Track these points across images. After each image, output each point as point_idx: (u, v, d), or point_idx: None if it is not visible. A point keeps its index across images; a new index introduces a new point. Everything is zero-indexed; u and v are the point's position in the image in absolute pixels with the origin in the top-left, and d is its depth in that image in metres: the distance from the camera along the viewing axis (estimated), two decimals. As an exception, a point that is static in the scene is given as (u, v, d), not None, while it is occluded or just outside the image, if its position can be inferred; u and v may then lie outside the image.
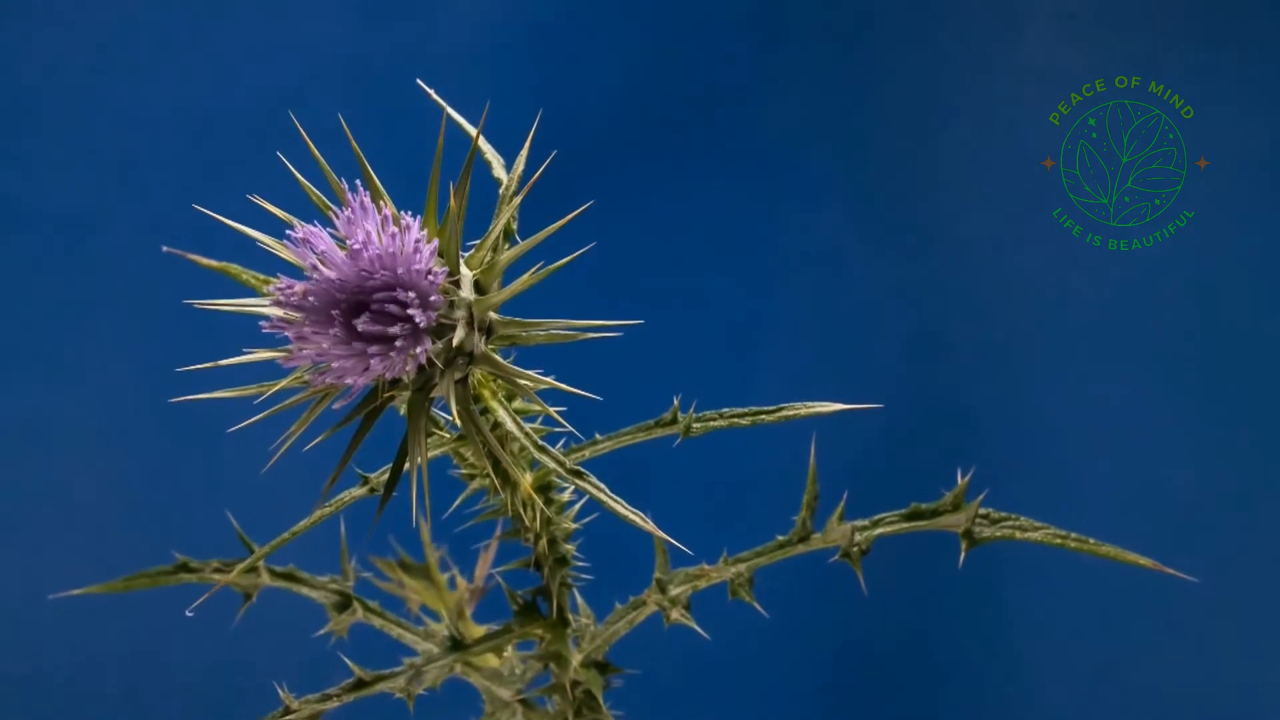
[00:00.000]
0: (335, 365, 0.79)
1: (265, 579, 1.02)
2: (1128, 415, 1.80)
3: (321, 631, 1.04)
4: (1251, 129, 1.77)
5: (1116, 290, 1.79)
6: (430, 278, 0.79)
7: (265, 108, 1.79)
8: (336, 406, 0.81)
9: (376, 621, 1.03)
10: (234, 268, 0.92)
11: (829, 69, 1.83)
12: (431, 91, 0.91)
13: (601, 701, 1.00)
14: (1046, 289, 1.80)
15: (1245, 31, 1.79)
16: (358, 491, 0.91)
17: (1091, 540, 0.93)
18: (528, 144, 0.86)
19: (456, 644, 0.99)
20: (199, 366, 0.85)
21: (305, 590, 1.03)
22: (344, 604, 1.03)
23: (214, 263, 0.93)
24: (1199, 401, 1.79)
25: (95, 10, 1.80)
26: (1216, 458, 1.79)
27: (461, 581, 1.12)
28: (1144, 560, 0.92)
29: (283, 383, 0.82)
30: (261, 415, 0.83)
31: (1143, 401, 1.80)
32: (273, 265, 0.83)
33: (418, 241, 0.79)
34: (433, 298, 0.79)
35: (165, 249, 0.96)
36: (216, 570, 1.02)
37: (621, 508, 0.85)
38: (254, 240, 0.84)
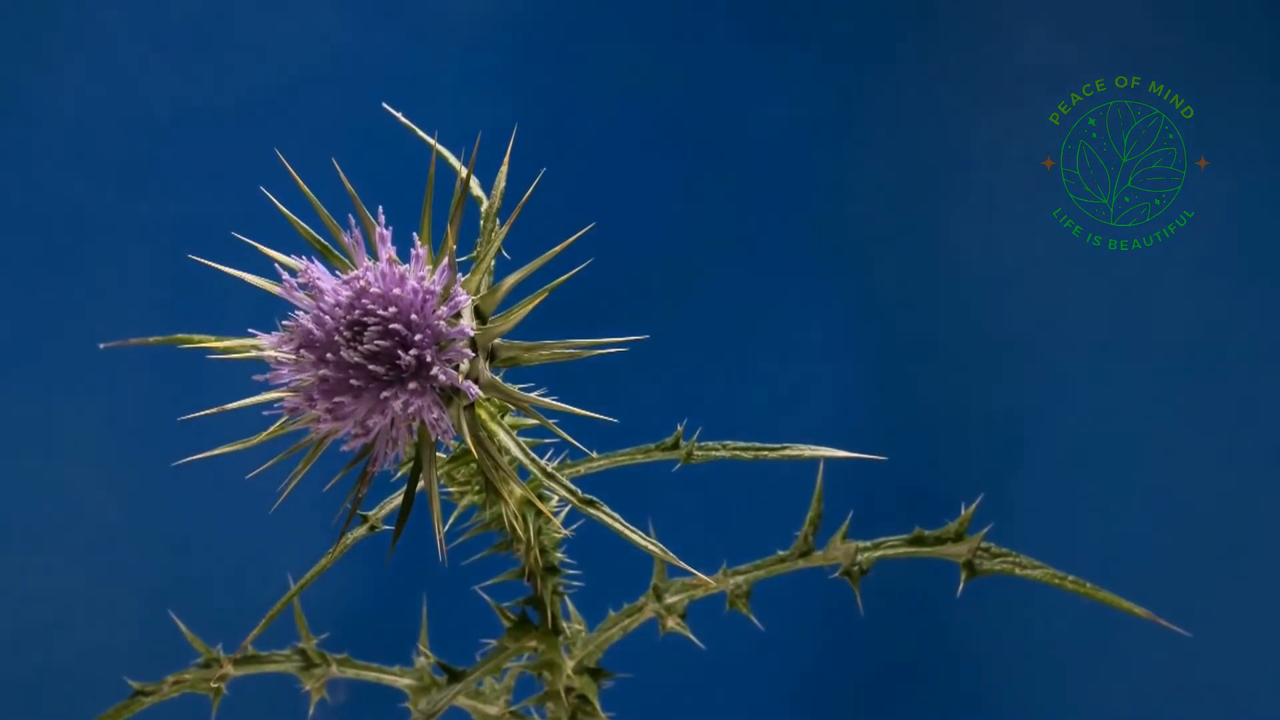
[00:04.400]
0: (356, 416, 0.78)
1: (229, 670, 1.00)
2: (1127, 415, 1.79)
3: (304, 689, 1.03)
4: (1251, 129, 1.77)
5: (1116, 290, 1.79)
6: (441, 316, 0.80)
7: (265, 106, 1.79)
8: (345, 448, 0.80)
9: (351, 672, 1.02)
10: (180, 336, 0.90)
11: (827, 70, 1.83)
12: (401, 116, 0.91)
13: (598, 706, 1.00)
14: (1046, 289, 1.80)
15: (1245, 31, 1.78)
16: (359, 532, 0.91)
17: (1088, 584, 0.95)
18: (505, 165, 0.85)
19: (454, 675, 0.98)
20: (204, 413, 0.84)
21: (271, 667, 1.02)
22: (314, 663, 1.01)
23: (159, 339, 0.92)
24: (1199, 402, 1.79)
25: (95, 10, 1.80)
26: (1216, 458, 1.79)
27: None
28: (1139, 610, 0.95)
29: (275, 428, 0.82)
30: (269, 464, 0.82)
31: (1142, 401, 1.79)
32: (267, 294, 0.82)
33: (429, 289, 0.79)
34: (450, 334, 0.79)
35: (102, 345, 0.94)
36: (175, 684, 1.00)
37: (639, 538, 0.84)
38: (255, 248, 0.84)
